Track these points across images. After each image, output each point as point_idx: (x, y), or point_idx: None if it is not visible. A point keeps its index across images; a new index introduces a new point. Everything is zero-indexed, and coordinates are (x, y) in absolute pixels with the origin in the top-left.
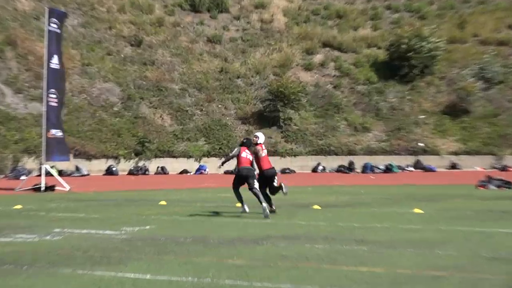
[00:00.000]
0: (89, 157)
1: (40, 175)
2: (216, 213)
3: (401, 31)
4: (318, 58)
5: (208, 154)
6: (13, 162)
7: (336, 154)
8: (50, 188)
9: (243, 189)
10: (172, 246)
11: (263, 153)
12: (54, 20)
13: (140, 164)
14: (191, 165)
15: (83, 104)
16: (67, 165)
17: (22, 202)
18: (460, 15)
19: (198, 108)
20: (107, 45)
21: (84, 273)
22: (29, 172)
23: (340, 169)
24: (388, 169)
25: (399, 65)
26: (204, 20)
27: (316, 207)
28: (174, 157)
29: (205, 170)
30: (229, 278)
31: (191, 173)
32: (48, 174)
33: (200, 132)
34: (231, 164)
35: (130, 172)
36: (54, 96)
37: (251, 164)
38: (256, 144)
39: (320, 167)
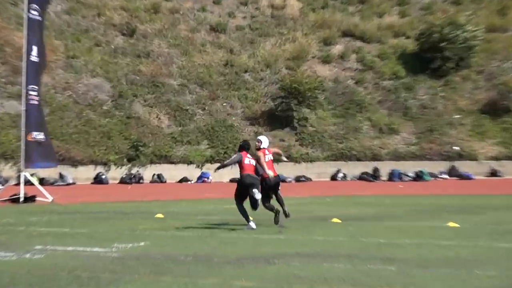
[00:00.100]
0: (74, 163)
1: (18, 184)
2: (221, 228)
3: (432, 18)
4: (337, 49)
5: (212, 160)
6: None
7: (359, 160)
8: (30, 199)
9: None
10: (170, 265)
11: (266, 158)
12: (35, 6)
13: (134, 171)
14: (192, 172)
15: (68, 103)
16: (50, 172)
17: None
18: (501, 0)
19: (199, 107)
20: (95, 35)
21: None
22: (6, 180)
23: (363, 177)
24: (419, 177)
25: (431, 57)
26: (206, 6)
27: (335, 220)
28: (172, 163)
29: (208, 178)
30: None
31: (192, 182)
32: (28, 183)
33: (202, 135)
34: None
35: (122, 181)
36: (35, 93)
37: (255, 171)
38: (259, 149)
39: (340, 175)
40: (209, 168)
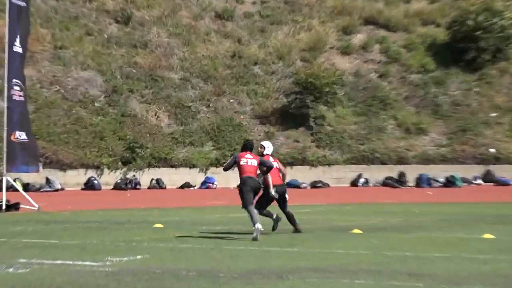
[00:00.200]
0: (63, 166)
1: (0, 190)
2: (227, 239)
3: (466, 4)
4: (358, 39)
5: (217, 163)
6: None
7: (383, 163)
8: (13, 207)
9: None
10: (171, 281)
11: (273, 165)
12: None
13: (129, 175)
14: (195, 177)
15: (55, 99)
16: (35, 177)
17: None
18: None
19: (203, 104)
20: (85, 22)
21: None
22: None
23: (387, 182)
24: (450, 182)
25: (464, 48)
26: None
27: (356, 231)
28: (173, 166)
29: (213, 184)
30: None
31: (195, 188)
32: (10, 188)
33: (206, 135)
34: None
35: (117, 186)
36: (18, 88)
37: (257, 172)
38: (262, 155)
39: (362, 180)
40: (214, 172)
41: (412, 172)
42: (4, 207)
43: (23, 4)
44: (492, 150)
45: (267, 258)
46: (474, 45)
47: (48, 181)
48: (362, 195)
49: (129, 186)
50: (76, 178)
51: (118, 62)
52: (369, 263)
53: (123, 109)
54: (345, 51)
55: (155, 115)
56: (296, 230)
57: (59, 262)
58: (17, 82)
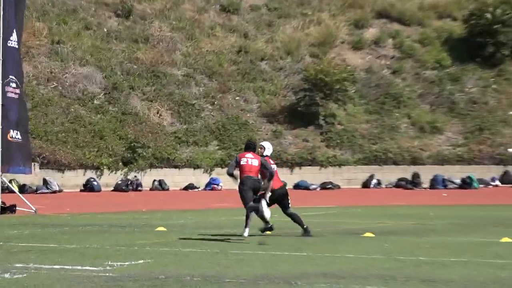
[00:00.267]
0: (61, 167)
1: None
2: (233, 243)
3: None
4: (371, 33)
5: (222, 163)
6: None
7: (396, 164)
8: (9, 209)
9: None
10: (175, 287)
11: (274, 171)
12: None
13: (131, 176)
14: (199, 178)
15: (53, 96)
16: (32, 178)
17: None
18: None
19: (208, 102)
20: (84, 16)
21: None
22: None
23: (400, 184)
24: (466, 184)
25: (482, 43)
26: None
27: (368, 234)
28: (176, 167)
29: (218, 185)
30: None
31: (199, 189)
32: (6, 190)
33: (211, 134)
34: None
35: (117, 188)
36: (14, 85)
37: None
38: (262, 156)
39: (374, 181)
40: (219, 173)
41: (426, 173)
42: None
43: None
44: (511, 150)
45: (275, 262)
46: (492, 39)
47: (45, 182)
48: (374, 197)
49: (130, 187)
50: (74, 179)
51: (118, 57)
52: (380, 268)
53: (124, 107)
54: (357, 46)
55: (157, 113)
56: (305, 232)
57: (57, 267)
58: (13, 79)
